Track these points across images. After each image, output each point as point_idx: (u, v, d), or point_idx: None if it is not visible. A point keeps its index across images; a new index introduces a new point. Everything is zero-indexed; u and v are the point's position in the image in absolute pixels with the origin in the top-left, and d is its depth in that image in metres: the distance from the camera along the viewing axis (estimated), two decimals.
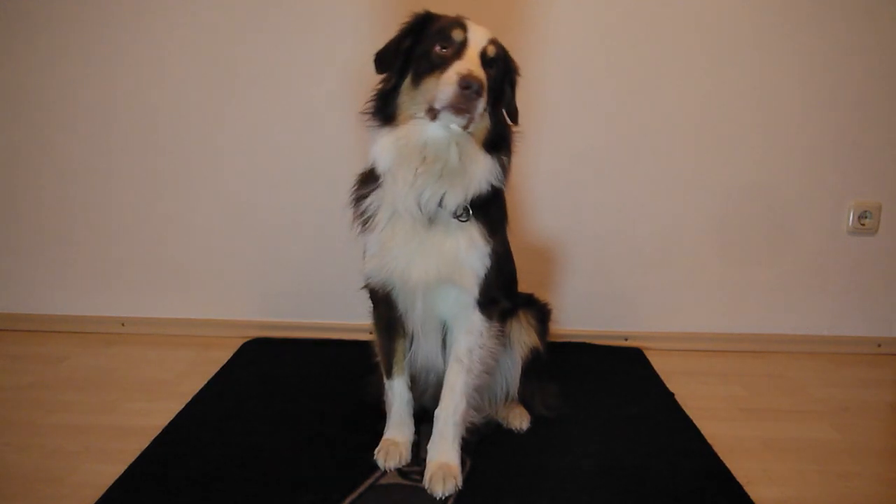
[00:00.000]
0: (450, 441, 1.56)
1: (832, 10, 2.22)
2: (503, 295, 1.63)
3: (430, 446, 1.58)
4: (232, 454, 1.64)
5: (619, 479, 1.57)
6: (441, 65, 1.34)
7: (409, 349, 1.67)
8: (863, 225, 2.37)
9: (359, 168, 2.34)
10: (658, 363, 2.28)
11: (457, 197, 1.42)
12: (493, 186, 1.45)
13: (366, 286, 1.61)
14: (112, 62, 2.30)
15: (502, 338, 1.67)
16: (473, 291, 1.52)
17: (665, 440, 1.76)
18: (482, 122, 1.41)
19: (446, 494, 1.47)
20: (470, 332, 1.55)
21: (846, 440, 1.82)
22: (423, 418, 1.75)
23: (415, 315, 1.58)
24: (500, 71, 1.45)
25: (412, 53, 1.41)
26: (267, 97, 2.31)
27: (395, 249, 1.48)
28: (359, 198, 1.55)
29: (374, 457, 1.60)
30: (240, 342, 2.38)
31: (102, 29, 2.28)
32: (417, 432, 1.72)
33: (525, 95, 1.47)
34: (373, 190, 1.51)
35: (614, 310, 2.46)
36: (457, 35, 1.37)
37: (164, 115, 2.34)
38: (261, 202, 2.40)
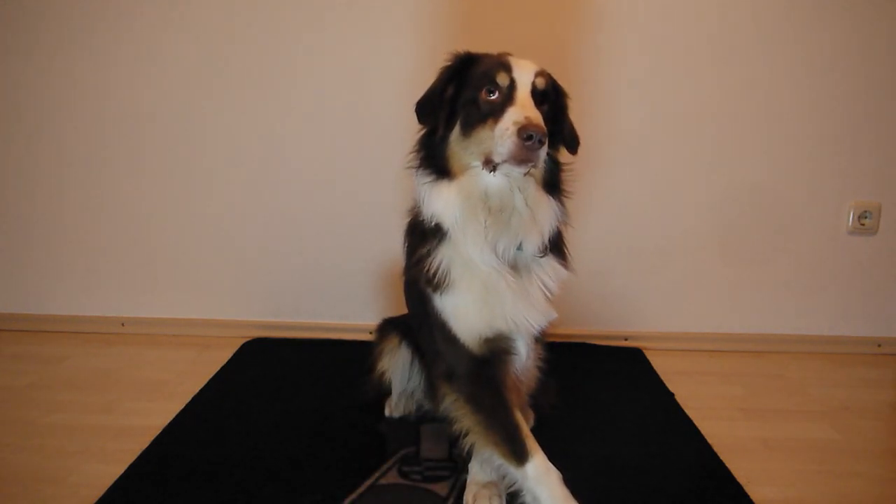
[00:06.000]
0: None
1: (832, 10, 2.21)
2: None
3: None
4: (232, 454, 1.64)
5: (619, 479, 1.56)
6: (492, 113, 1.26)
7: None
8: (863, 225, 2.37)
9: (359, 169, 2.35)
10: (658, 363, 2.28)
11: (535, 244, 1.36)
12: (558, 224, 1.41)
13: (463, 344, 1.40)
14: (112, 61, 2.30)
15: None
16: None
17: (665, 440, 1.76)
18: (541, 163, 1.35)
19: None
20: (528, 357, 1.52)
21: (846, 440, 1.82)
22: (425, 419, 1.76)
23: (520, 359, 1.49)
24: (553, 102, 1.36)
25: (457, 101, 1.32)
26: (267, 97, 2.31)
27: (496, 304, 1.37)
28: (422, 257, 1.41)
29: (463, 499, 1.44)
30: (240, 342, 2.38)
31: (95, 27, 2.27)
32: (418, 434, 1.72)
33: None
34: (436, 246, 1.39)
35: (614, 310, 2.46)
36: (502, 79, 1.28)
37: (164, 115, 2.34)
38: (261, 202, 2.40)
